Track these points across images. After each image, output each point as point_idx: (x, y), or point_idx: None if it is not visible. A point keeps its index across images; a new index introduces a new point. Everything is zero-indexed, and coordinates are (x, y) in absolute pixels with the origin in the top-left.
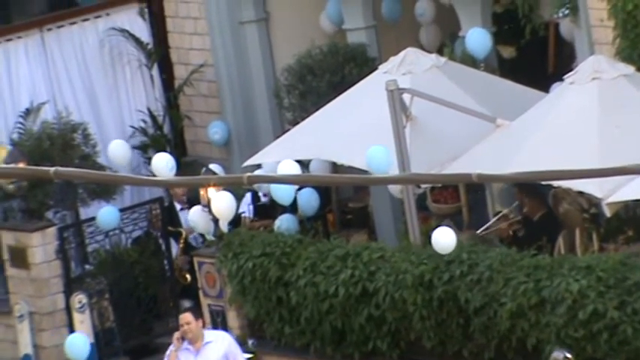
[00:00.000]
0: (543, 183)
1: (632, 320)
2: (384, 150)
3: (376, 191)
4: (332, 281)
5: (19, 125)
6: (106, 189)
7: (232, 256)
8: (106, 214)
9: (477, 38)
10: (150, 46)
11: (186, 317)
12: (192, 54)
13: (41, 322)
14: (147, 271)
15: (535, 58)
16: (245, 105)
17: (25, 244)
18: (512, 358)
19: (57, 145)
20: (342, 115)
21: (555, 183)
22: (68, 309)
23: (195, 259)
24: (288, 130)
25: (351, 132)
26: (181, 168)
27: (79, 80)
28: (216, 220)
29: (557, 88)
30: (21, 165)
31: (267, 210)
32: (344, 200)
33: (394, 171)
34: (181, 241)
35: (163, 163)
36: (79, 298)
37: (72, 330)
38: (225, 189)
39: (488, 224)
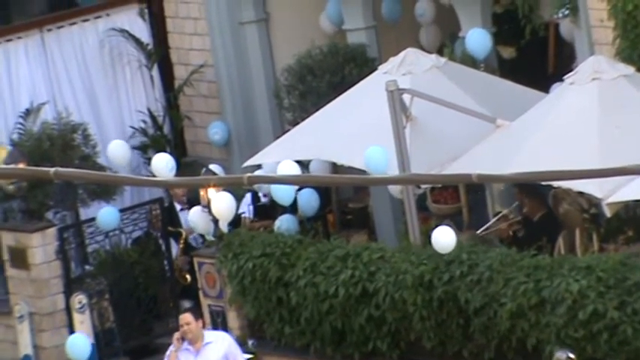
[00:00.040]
0: (543, 183)
1: (632, 320)
2: (382, 150)
3: (376, 192)
4: (332, 282)
5: (19, 126)
6: (106, 189)
7: (232, 257)
8: (105, 214)
9: (477, 39)
10: (150, 47)
11: (186, 318)
12: (192, 54)
13: (41, 323)
14: (147, 272)
15: (535, 58)
16: (245, 105)
17: (25, 244)
18: (512, 359)
19: (57, 145)
20: (342, 115)
21: (555, 183)
22: (68, 309)
23: (195, 260)
24: (288, 130)
25: (351, 132)
26: (181, 168)
27: (79, 81)
28: (216, 221)
29: (557, 88)
30: (21, 165)
31: (267, 210)
32: (344, 201)
33: (394, 171)
34: (181, 241)
35: (163, 164)
36: (79, 299)
37: (72, 330)
38: (225, 189)
39: (488, 224)
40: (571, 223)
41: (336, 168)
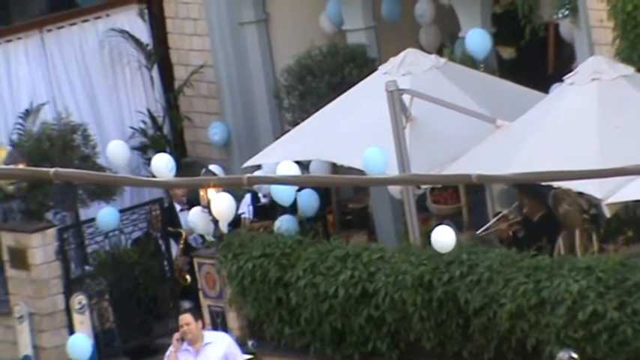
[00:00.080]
0: (543, 184)
1: (631, 321)
2: (380, 151)
3: (376, 192)
4: (332, 282)
5: (19, 126)
6: (105, 190)
7: (232, 257)
8: (105, 215)
9: (477, 39)
10: (150, 47)
11: (186, 318)
12: (192, 55)
13: (41, 323)
14: (147, 272)
15: (535, 58)
16: (245, 106)
17: (24, 245)
18: (512, 359)
19: (57, 146)
20: (341, 115)
21: (555, 184)
22: (68, 310)
23: (195, 260)
24: (288, 130)
25: (350, 133)
26: (181, 169)
27: (79, 81)
28: (216, 221)
29: (556, 88)
30: (21, 166)
31: (267, 211)
32: (344, 201)
33: (394, 172)
34: (181, 241)
35: (163, 164)
36: (79, 299)
37: (72, 331)
38: (224, 190)
39: (487, 225)
40: (571, 224)
41: (335, 168)
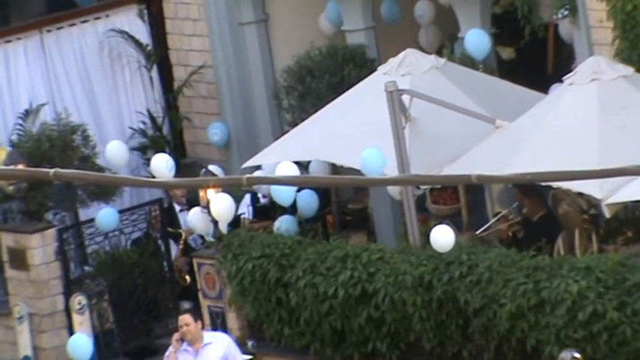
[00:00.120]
0: (543, 184)
1: (631, 321)
2: (378, 152)
3: (376, 192)
4: (331, 282)
5: (19, 127)
6: (105, 190)
7: (232, 258)
8: (104, 215)
9: (476, 39)
10: (149, 48)
11: (186, 318)
12: (191, 55)
13: (41, 324)
14: (146, 273)
15: (534, 59)
16: (244, 106)
17: (24, 245)
18: (512, 359)
19: (56, 146)
20: (341, 116)
21: (555, 184)
22: (68, 310)
23: (195, 261)
24: (288, 131)
25: (350, 133)
26: (181, 169)
27: (79, 82)
28: (215, 222)
29: (556, 89)
30: (20, 166)
31: (267, 211)
32: (343, 201)
33: (393, 172)
34: (181, 242)
35: (162, 163)
36: (79, 300)
37: (71, 331)
38: (223, 190)
39: (487, 225)
40: (570, 224)
41: (335, 169)
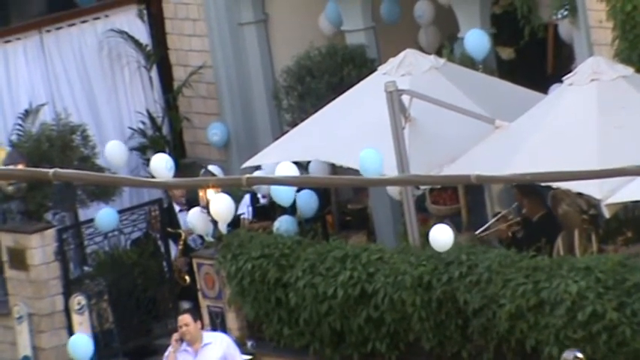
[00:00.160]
0: (542, 184)
1: (630, 322)
2: (376, 153)
3: (375, 193)
4: (331, 282)
5: (18, 127)
6: (104, 190)
7: (231, 258)
8: (104, 215)
9: (476, 39)
10: (149, 48)
11: (185, 319)
12: (191, 55)
13: (40, 324)
14: (146, 273)
15: (534, 59)
16: (244, 106)
17: (24, 245)
18: None
19: (56, 146)
20: (340, 116)
21: (554, 184)
22: (67, 310)
23: (195, 261)
24: (287, 131)
25: (349, 133)
26: (180, 169)
27: (78, 82)
28: (215, 222)
29: (556, 89)
30: (20, 166)
31: (266, 211)
32: (343, 202)
33: (393, 172)
34: (180, 242)
35: (162, 163)
36: (78, 300)
37: (71, 332)
38: (223, 190)
39: (486, 225)
40: (570, 224)
41: (335, 169)
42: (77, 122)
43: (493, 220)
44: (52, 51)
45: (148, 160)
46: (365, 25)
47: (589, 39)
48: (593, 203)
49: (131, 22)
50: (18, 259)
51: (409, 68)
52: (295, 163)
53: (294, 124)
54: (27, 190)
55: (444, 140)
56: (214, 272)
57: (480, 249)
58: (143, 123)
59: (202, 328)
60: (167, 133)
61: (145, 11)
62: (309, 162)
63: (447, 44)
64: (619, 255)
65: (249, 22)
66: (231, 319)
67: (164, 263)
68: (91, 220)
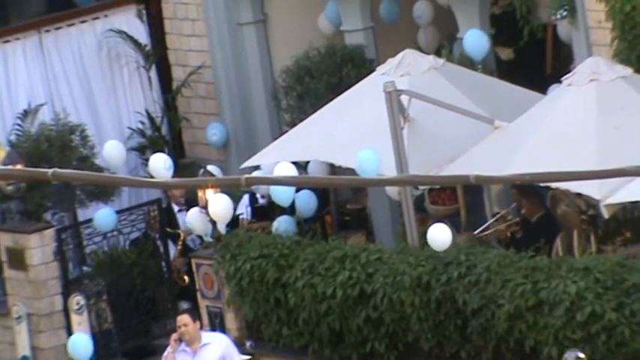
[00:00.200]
0: (541, 184)
1: (629, 322)
2: (374, 154)
3: (374, 193)
4: (330, 283)
5: (17, 127)
6: (103, 190)
7: (230, 258)
8: (102, 216)
9: (475, 40)
10: (148, 48)
11: (184, 319)
12: (190, 55)
13: (39, 324)
14: (145, 273)
15: (533, 59)
16: (243, 106)
17: (23, 245)
18: None
19: (55, 146)
20: (339, 116)
21: (553, 184)
22: (66, 310)
23: (193, 261)
24: (286, 131)
25: (348, 134)
26: (179, 169)
27: (77, 82)
28: (214, 222)
29: (555, 89)
30: (19, 166)
31: (265, 211)
32: (342, 202)
33: (392, 173)
34: (179, 242)
35: (161, 163)
36: (77, 300)
37: (70, 331)
38: (222, 191)
39: (485, 225)
40: (569, 225)
41: (333, 169)
42: (76, 122)
43: (492, 220)
44: (51, 51)
45: (147, 160)
46: (364, 25)
47: (588, 39)
48: (592, 204)
49: (130, 22)
50: (17, 259)
51: (408, 68)
52: (294, 163)
53: (293, 125)
54: (26, 190)
55: (443, 140)
56: (213, 272)
57: (478, 249)
58: (142, 123)
59: (201, 328)
60: (166, 133)
61: (144, 11)
62: (308, 162)
63: (446, 44)
64: (618, 255)
65: (248, 22)
66: (230, 320)
67: (163, 263)
68: (90, 220)
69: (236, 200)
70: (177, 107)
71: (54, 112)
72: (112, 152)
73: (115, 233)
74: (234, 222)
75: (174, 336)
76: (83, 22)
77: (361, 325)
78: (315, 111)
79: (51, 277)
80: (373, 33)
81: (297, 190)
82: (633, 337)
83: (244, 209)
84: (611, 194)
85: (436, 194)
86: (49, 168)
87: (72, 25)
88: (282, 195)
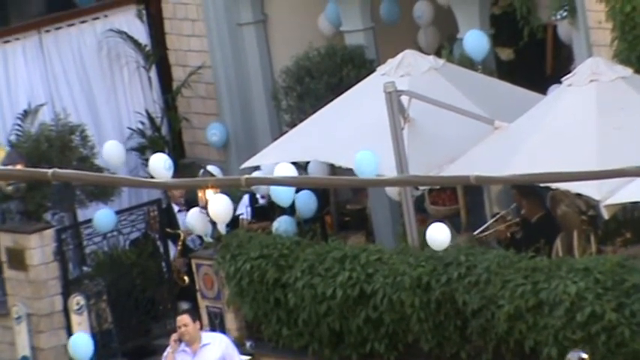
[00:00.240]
0: (541, 185)
1: (629, 322)
2: (372, 154)
3: (374, 193)
4: (330, 283)
5: (17, 127)
6: (103, 191)
7: (230, 258)
8: (102, 216)
9: (475, 40)
10: (148, 48)
11: (184, 319)
12: (190, 56)
13: (39, 324)
14: (145, 273)
15: (533, 60)
16: (243, 107)
17: (23, 245)
18: None
19: (55, 146)
20: (339, 117)
21: (553, 185)
22: (66, 311)
23: (193, 261)
24: (286, 132)
25: (348, 134)
26: (179, 170)
27: (77, 82)
28: (214, 222)
29: (555, 90)
30: (19, 167)
31: (265, 212)
32: (342, 202)
33: (392, 173)
34: (179, 242)
35: (160, 163)
36: (77, 300)
37: (70, 332)
38: (221, 191)
39: (485, 225)
40: (569, 225)
41: (333, 170)
42: (76, 122)
43: (492, 220)
44: (52, 51)
45: (147, 160)
46: (364, 25)
47: (588, 40)
48: (592, 204)
49: (130, 22)
50: (17, 259)
51: (408, 69)
52: (294, 163)
53: (293, 125)
54: (26, 190)
55: (443, 141)
56: (213, 273)
57: (478, 250)
58: (142, 123)
59: (201, 328)
60: (166, 133)
61: (144, 11)
62: (308, 162)
63: (446, 45)
64: (618, 256)
65: (248, 23)
66: (230, 320)
67: (163, 264)
68: (90, 221)
69: (236, 200)
70: (177, 107)
71: (54, 113)
72: (112, 152)
73: (115, 233)
74: (234, 222)
75: (174, 336)
76: (83, 22)
77: (361, 325)
78: (315, 111)
79: (51, 277)
80: (373, 33)
81: (297, 191)
82: (633, 338)
83: (244, 209)
84: (611, 195)
85: (436, 195)
86: (49, 168)
87: (72, 25)
88: (282, 195)
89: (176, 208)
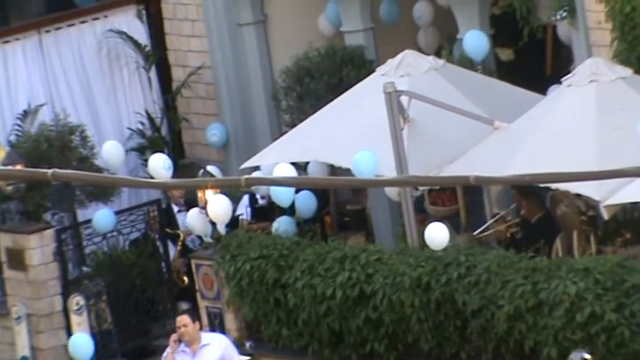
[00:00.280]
0: (541, 185)
1: (629, 323)
2: (371, 155)
3: (374, 193)
4: (329, 283)
5: (17, 127)
6: (103, 191)
7: (230, 258)
8: (101, 217)
9: (475, 41)
10: (148, 48)
11: (184, 319)
12: (189, 56)
13: (39, 324)
14: (144, 273)
15: (533, 60)
16: (243, 107)
17: (22, 245)
18: None
19: (55, 147)
20: (339, 117)
21: (553, 185)
22: (66, 311)
23: (193, 261)
24: (286, 132)
25: (348, 134)
26: (179, 170)
27: (77, 82)
28: (213, 223)
29: (554, 90)
30: (19, 167)
31: (265, 212)
32: (342, 202)
33: (392, 173)
34: (179, 243)
35: (160, 163)
36: (77, 300)
37: (69, 332)
38: (221, 192)
39: (485, 226)
40: (569, 225)
41: (333, 170)
42: (76, 123)
43: (492, 221)
44: (51, 51)
45: (147, 160)
46: (364, 26)
47: (588, 40)
48: (591, 204)
49: (130, 22)
50: (17, 259)
51: (408, 69)
52: (294, 163)
53: (292, 125)
54: (26, 190)
55: (443, 141)
56: (213, 273)
57: (478, 250)
58: (142, 123)
59: (201, 328)
60: (166, 133)
61: (143, 12)
62: (307, 163)
63: (446, 45)
64: (618, 256)
65: (248, 23)
66: (230, 320)
67: (163, 264)
68: (90, 221)
69: (236, 201)
70: (177, 108)
71: (54, 113)
72: (111, 153)
73: (115, 234)
74: (233, 222)
75: (173, 336)
76: (83, 22)
77: (361, 325)
78: (314, 112)
79: (50, 277)
80: (373, 34)
81: (297, 191)
82: (633, 338)
83: (244, 210)
84: (610, 195)
85: (436, 195)
86: (49, 168)
87: (72, 25)
88: (281, 196)
89: (176, 209)
